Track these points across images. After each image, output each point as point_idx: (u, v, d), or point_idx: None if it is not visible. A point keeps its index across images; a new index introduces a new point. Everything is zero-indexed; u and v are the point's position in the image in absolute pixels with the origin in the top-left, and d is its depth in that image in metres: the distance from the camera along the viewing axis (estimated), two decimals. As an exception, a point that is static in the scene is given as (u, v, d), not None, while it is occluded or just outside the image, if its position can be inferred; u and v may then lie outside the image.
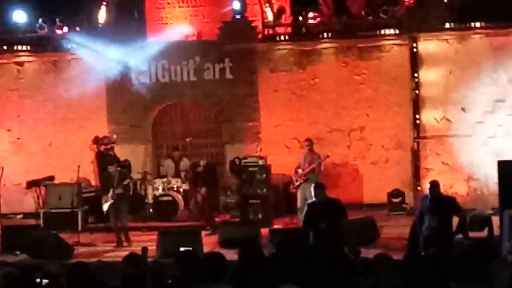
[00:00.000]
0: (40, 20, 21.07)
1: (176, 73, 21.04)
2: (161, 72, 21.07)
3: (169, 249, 13.70)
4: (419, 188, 19.74)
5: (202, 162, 18.44)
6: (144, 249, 12.77)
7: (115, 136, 20.30)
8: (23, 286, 6.47)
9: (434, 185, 14.03)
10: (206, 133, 21.41)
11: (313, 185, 14.27)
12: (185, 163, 19.87)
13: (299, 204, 17.40)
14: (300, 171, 17.70)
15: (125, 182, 16.85)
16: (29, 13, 21.13)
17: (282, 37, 21.20)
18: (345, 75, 20.77)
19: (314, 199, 13.66)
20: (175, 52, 20.93)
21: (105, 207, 16.81)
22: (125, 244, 16.39)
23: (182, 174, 19.69)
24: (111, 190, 16.46)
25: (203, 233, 16.92)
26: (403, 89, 20.44)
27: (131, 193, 18.18)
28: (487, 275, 5.55)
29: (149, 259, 12.81)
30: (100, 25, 21.48)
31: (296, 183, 17.69)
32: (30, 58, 21.61)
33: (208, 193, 18.05)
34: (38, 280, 9.02)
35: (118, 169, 17.12)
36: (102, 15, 21.46)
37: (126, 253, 7.70)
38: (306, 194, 16.88)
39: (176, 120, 21.66)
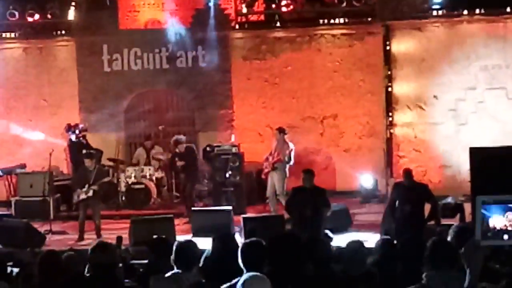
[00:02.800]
0: (11, 7, 20.85)
1: (148, 60, 20.96)
2: (134, 60, 20.97)
3: (142, 237, 13.68)
4: (391, 175, 19.82)
5: (182, 138, 18.29)
6: (119, 238, 12.77)
7: (86, 124, 20.17)
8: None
9: (408, 173, 14.11)
10: (179, 121, 21.34)
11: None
12: (156, 151, 19.83)
13: (267, 192, 17.36)
14: (270, 158, 17.64)
15: (105, 180, 16.48)
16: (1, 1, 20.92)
17: (255, 25, 21.16)
18: (318, 63, 20.79)
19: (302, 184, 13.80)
20: (148, 39, 20.84)
21: (75, 200, 16.57)
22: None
23: (153, 162, 19.66)
24: (86, 186, 16.09)
25: (182, 220, 17.01)
26: (376, 77, 20.49)
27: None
28: (459, 260, 5.57)
29: (123, 248, 12.83)
30: (72, 14, 21.31)
31: (265, 170, 17.66)
32: (0, 46, 21.39)
33: (189, 176, 18.01)
34: (9, 269, 8.97)
35: (98, 166, 16.76)
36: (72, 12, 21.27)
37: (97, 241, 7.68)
38: (274, 181, 16.99)
39: (149, 108, 21.57)
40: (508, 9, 19.74)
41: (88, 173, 16.20)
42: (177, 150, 18.20)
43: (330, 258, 6.90)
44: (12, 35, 21.23)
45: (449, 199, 16.28)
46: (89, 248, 6.81)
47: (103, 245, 6.88)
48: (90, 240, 15.60)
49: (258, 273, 5.60)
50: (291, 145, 17.33)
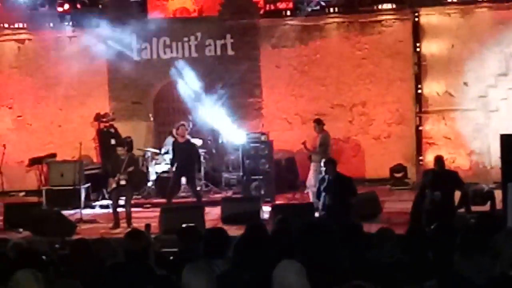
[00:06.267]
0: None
1: (177, 49, 20.99)
2: (163, 49, 21.01)
3: (172, 225, 13.71)
4: (421, 162, 19.75)
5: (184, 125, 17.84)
6: (147, 226, 12.81)
7: (112, 112, 20.24)
8: (30, 258, 6.49)
9: (439, 160, 14.08)
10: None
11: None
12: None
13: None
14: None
15: (130, 169, 16.50)
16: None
17: (284, 13, 21.10)
18: (347, 50, 20.72)
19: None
20: (177, 28, 20.87)
21: (109, 189, 16.65)
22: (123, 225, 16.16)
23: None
24: (117, 175, 16.13)
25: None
26: (405, 64, 20.39)
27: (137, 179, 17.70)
28: (490, 247, 5.54)
29: (152, 236, 12.89)
30: (101, 3, 21.39)
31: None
32: (31, 36, 21.52)
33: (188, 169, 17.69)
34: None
35: (129, 154, 16.64)
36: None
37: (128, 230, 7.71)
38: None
39: (178, 96, 21.59)
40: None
41: (120, 161, 16.25)
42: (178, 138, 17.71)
43: (365, 245, 6.89)
44: (42, 25, 21.31)
45: (479, 187, 16.16)
46: (119, 236, 6.85)
47: (136, 233, 6.92)
48: (120, 228, 15.71)
49: (292, 260, 5.60)
50: (321, 135, 17.25)
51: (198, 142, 19.01)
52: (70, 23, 21.19)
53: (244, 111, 20.83)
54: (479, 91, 19.85)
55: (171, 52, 20.97)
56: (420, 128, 20.22)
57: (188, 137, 17.70)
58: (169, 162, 18.60)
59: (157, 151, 19.84)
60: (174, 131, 18.32)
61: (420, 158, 19.92)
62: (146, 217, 16.26)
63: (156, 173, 19.26)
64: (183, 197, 18.38)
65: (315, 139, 17.34)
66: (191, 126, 19.71)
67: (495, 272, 5.60)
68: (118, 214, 16.18)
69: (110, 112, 20.30)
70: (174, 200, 17.57)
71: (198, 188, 18.25)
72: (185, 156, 17.26)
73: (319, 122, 17.56)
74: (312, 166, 17.01)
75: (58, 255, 10.66)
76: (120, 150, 16.45)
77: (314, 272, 5.62)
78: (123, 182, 16.09)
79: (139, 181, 18.58)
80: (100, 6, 21.33)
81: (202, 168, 19.41)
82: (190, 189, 17.83)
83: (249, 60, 20.84)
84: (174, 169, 17.49)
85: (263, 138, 18.69)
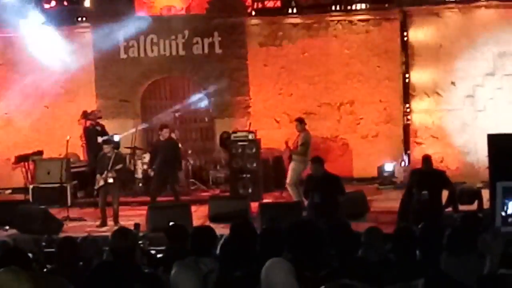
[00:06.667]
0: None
1: (165, 47, 20.94)
2: (150, 47, 20.96)
3: (159, 223, 13.70)
4: (408, 162, 19.78)
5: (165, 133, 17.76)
6: (137, 225, 12.77)
7: (99, 110, 20.18)
8: (16, 256, 6.46)
9: (427, 159, 14.10)
10: (195, 107, 21.30)
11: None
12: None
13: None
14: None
15: (118, 167, 16.46)
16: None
17: (271, 11, 21.09)
18: (335, 49, 20.72)
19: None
20: (164, 26, 20.83)
21: (96, 186, 16.59)
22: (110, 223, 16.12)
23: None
24: (105, 173, 16.10)
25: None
26: (393, 63, 20.42)
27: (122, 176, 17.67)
28: (478, 246, 5.54)
29: (140, 234, 12.85)
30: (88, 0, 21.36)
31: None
32: (17, 33, 21.40)
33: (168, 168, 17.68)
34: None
35: (115, 151, 16.70)
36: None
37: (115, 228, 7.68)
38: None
39: (165, 94, 21.58)
40: (527, -5, 19.62)
41: (106, 159, 16.21)
42: (160, 137, 17.79)
43: (354, 244, 6.88)
44: (29, 22, 21.21)
45: (467, 186, 16.21)
46: (106, 234, 6.83)
47: (123, 231, 6.90)
48: (107, 226, 15.68)
49: (281, 258, 5.59)
50: (303, 134, 17.28)
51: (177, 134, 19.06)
52: (57, 20, 21.08)
53: (231, 109, 20.82)
54: (467, 90, 19.90)
55: (158, 50, 20.92)
56: (408, 127, 20.26)
57: (171, 135, 17.74)
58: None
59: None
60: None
61: (408, 157, 19.95)
62: (133, 215, 16.23)
63: (143, 171, 19.21)
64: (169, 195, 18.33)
65: (296, 138, 17.38)
66: (177, 123, 19.74)
67: (482, 271, 5.60)
68: (106, 212, 16.14)
69: (97, 110, 20.21)
70: (160, 199, 17.54)
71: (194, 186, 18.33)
72: (164, 154, 17.22)
73: (301, 121, 17.63)
74: (292, 164, 17.07)
75: (44, 253, 10.63)
76: (106, 148, 16.41)
77: (302, 271, 5.61)
78: (110, 180, 16.06)
79: (126, 179, 18.55)
80: (87, 3, 21.23)
81: (190, 167, 19.40)
82: (169, 187, 17.78)
83: (236, 58, 20.82)
84: (153, 167, 17.41)
85: (250, 136, 18.67)
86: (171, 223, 9.95)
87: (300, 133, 17.39)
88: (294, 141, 17.32)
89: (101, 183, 16.15)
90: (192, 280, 6.26)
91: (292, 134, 17.79)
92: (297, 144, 17.19)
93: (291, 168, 17.07)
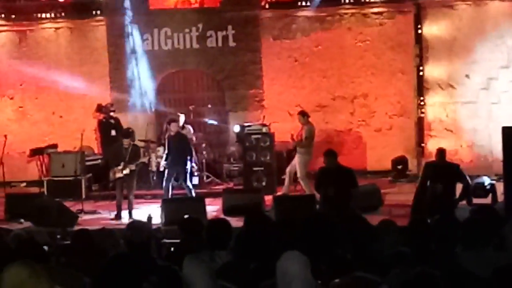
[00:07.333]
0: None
1: (179, 40, 20.94)
2: (164, 40, 20.96)
3: (173, 216, 13.73)
4: (422, 155, 19.74)
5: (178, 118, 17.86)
6: (149, 217, 12.83)
7: (112, 104, 20.19)
8: (31, 248, 6.49)
9: (441, 152, 14.08)
10: (209, 101, 21.31)
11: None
12: (186, 131, 19.77)
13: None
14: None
15: (140, 161, 16.46)
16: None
17: (285, 4, 21.05)
18: (349, 42, 20.69)
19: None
20: (178, 19, 20.83)
21: (111, 178, 16.59)
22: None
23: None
24: (122, 164, 16.06)
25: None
26: (407, 56, 20.37)
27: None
28: (495, 240, 5.54)
29: (154, 227, 12.90)
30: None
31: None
32: (32, 27, 21.47)
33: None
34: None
35: (132, 143, 16.66)
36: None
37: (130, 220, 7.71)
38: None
39: (179, 88, 21.58)
40: (542, -13, 19.53)
41: (123, 151, 16.20)
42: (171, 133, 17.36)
43: (368, 237, 6.88)
44: (43, 15, 21.27)
45: (482, 179, 16.15)
46: (121, 227, 6.85)
47: (138, 224, 6.93)
48: (122, 219, 15.71)
49: (296, 251, 5.60)
50: (306, 127, 17.28)
51: (190, 129, 19.00)
52: (72, 14, 21.12)
53: (245, 103, 20.82)
54: (481, 83, 19.83)
55: (172, 43, 20.93)
56: (422, 120, 20.21)
57: (180, 129, 17.70)
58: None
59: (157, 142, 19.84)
60: (165, 125, 18.34)
61: (421, 150, 19.91)
62: (148, 208, 16.26)
63: (157, 164, 19.22)
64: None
65: (300, 130, 17.39)
66: (191, 117, 19.74)
67: (497, 264, 5.58)
68: (121, 204, 16.17)
69: (110, 103, 20.24)
70: (174, 192, 17.48)
71: (200, 181, 18.24)
72: (175, 149, 17.11)
73: (303, 114, 17.63)
74: (298, 157, 17.09)
75: (59, 246, 10.67)
76: (125, 141, 16.33)
77: (317, 264, 5.62)
78: (127, 172, 16.07)
79: (141, 172, 18.56)
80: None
81: (204, 160, 19.41)
82: (182, 182, 17.53)
83: (250, 51, 20.80)
84: (165, 162, 17.21)
85: (264, 129, 18.67)
86: (185, 216, 9.96)
87: (304, 126, 17.40)
88: (298, 134, 17.35)
89: (119, 174, 16.14)
90: (204, 273, 6.28)
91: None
92: (302, 137, 17.20)
93: (298, 162, 17.07)
